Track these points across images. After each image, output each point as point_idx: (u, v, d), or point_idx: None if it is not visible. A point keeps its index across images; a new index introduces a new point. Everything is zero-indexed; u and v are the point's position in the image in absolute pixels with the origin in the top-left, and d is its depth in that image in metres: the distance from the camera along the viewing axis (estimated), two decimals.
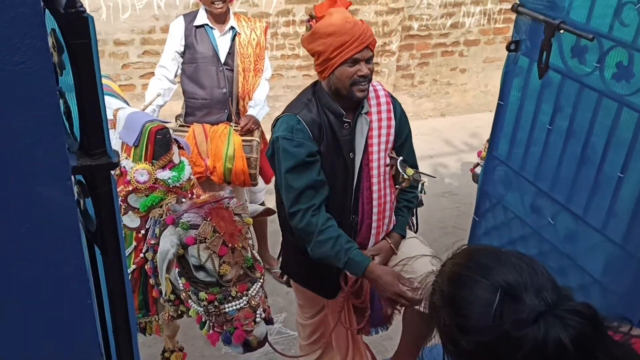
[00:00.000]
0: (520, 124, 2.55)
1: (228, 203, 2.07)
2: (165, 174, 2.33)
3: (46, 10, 0.95)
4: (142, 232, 2.32)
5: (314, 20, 2.17)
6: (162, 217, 2.25)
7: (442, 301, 1.17)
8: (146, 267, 2.29)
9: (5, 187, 0.79)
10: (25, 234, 0.82)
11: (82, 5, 0.91)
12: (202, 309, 2.00)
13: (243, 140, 3.33)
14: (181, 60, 3.41)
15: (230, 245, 1.97)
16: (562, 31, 2.19)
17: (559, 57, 2.27)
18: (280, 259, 2.62)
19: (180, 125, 3.47)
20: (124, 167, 2.32)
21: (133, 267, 2.33)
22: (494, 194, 2.77)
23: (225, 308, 1.97)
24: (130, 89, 5.13)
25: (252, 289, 2.01)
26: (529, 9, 2.32)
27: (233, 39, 3.39)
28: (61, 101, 1.06)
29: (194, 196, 2.44)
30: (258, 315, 2.01)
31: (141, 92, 5.17)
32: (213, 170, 3.31)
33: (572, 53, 2.22)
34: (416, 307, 2.30)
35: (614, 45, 2.06)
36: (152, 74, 5.09)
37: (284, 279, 2.74)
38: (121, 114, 2.46)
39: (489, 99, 6.55)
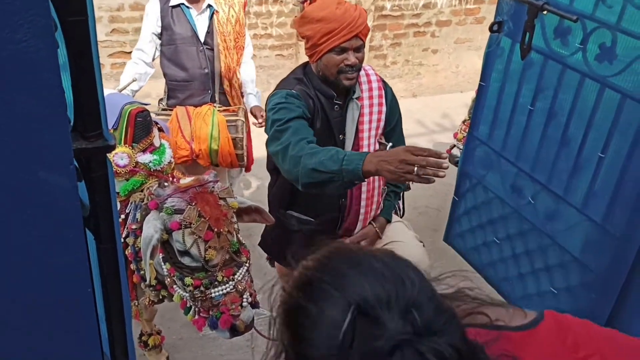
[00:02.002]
0: (501, 105, 2.57)
1: (213, 187, 2.03)
2: (146, 158, 2.28)
3: None
4: (122, 216, 2.27)
5: (307, 1, 2.13)
6: (143, 201, 2.20)
7: (285, 315, 0.89)
8: (127, 252, 2.25)
9: (9, 172, 0.75)
10: (28, 220, 0.78)
11: None
12: (187, 295, 1.96)
13: (227, 121, 3.26)
14: (159, 42, 3.31)
15: (215, 229, 1.93)
16: (545, 12, 2.20)
17: (542, 38, 2.28)
18: (261, 237, 2.58)
19: (163, 109, 3.38)
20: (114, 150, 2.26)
21: None
22: (474, 174, 2.79)
23: (211, 293, 1.94)
24: None
25: (238, 274, 1.98)
26: None
27: (211, 18, 3.30)
28: None
29: (175, 179, 2.39)
30: (245, 300, 1.98)
31: (110, 72, 5.05)
32: (199, 153, 3.23)
33: (555, 34, 2.24)
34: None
35: (597, 26, 2.07)
36: (122, 53, 5.02)
37: (269, 260, 2.72)
38: None
39: (459, 80, 6.59)
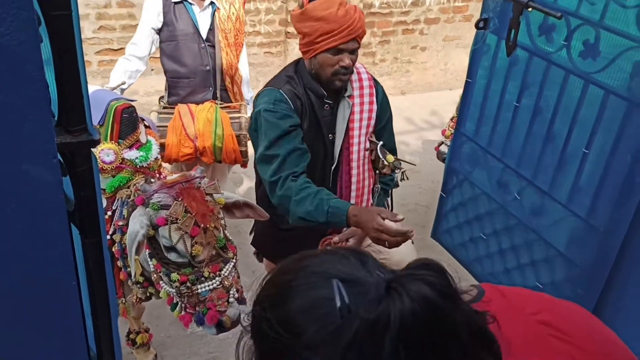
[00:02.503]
0: (487, 102, 2.59)
1: (199, 183, 2.03)
2: (132, 154, 2.27)
3: None
4: (109, 213, 2.26)
5: None
6: (129, 197, 2.20)
7: (272, 332, 0.84)
8: (113, 249, 2.24)
9: None
10: (12, 214, 0.78)
11: None
12: (174, 290, 1.96)
13: (230, 118, 3.26)
14: (157, 37, 3.29)
15: (202, 225, 1.93)
16: (530, 9, 2.22)
17: (527, 35, 2.30)
18: (253, 235, 2.58)
19: (164, 107, 3.37)
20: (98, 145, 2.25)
21: None
22: (461, 171, 2.80)
23: (198, 289, 1.94)
24: (85, 65, 4.96)
25: (224, 269, 1.98)
26: None
27: (213, 15, 3.30)
28: None
29: (161, 176, 2.39)
30: (231, 296, 1.98)
31: (97, 69, 5.02)
32: (203, 151, 3.23)
33: (540, 31, 2.26)
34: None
35: (581, 23, 2.09)
36: (109, 50, 5.00)
37: (258, 256, 2.72)
38: None
39: (448, 78, 6.62)
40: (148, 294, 2.32)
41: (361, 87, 2.33)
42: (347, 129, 2.29)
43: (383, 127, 2.42)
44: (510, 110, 2.46)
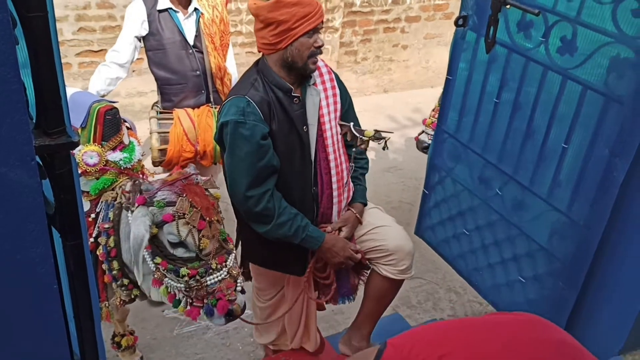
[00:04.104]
0: (468, 98, 2.61)
1: (197, 179, 2.06)
2: (116, 156, 2.26)
3: None
4: (92, 216, 2.24)
5: None
6: (115, 200, 2.19)
7: None
8: (98, 252, 2.23)
9: None
10: None
11: None
12: (182, 286, 1.99)
13: None
14: (140, 45, 3.28)
15: (207, 218, 1.97)
16: (508, 6, 2.24)
17: (506, 32, 2.33)
18: (240, 248, 2.57)
19: (161, 112, 3.36)
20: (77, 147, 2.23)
21: None
22: (443, 167, 2.82)
23: (207, 281, 1.98)
24: (66, 67, 4.92)
25: (229, 260, 2.03)
26: None
27: (198, 21, 3.29)
28: None
29: (144, 177, 2.38)
30: (239, 285, 2.04)
31: (77, 71, 4.98)
32: (203, 155, 3.26)
33: (518, 28, 2.28)
34: (382, 272, 2.47)
35: (558, 19, 2.12)
36: (89, 52, 4.95)
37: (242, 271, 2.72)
38: None
39: (429, 75, 6.65)
40: (132, 296, 2.31)
41: (321, 75, 2.36)
42: (319, 117, 2.31)
43: (347, 111, 2.45)
44: (490, 106, 2.49)
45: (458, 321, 1.22)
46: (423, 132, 3.79)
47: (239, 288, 2.03)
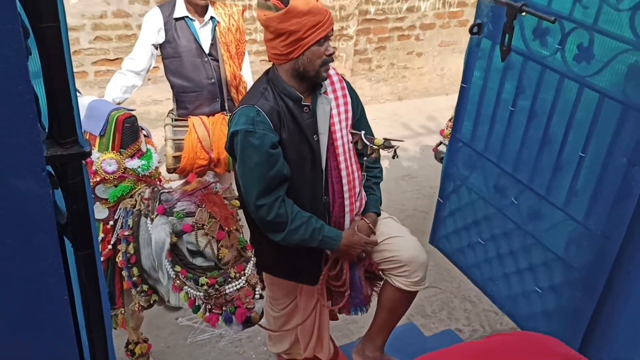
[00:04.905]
0: (483, 106, 2.59)
1: (216, 188, 2.08)
2: (134, 163, 2.29)
3: None
4: (111, 223, 2.27)
5: (277, 0, 2.13)
6: (134, 207, 2.21)
7: None
8: (118, 259, 2.25)
9: None
10: (0, 227, 0.78)
11: None
12: (201, 294, 2.01)
13: None
14: (156, 52, 3.31)
15: (226, 228, 1.99)
16: (524, 14, 2.22)
17: (521, 39, 2.30)
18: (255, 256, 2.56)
19: (176, 120, 3.39)
20: (89, 157, 2.25)
21: (101, 259, 2.28)
22: (457, 176, 2.80)
23: (226, 290, 2.00)
24: (82, 76, 4.97)
25: (248, 268, 2.05)
26: None
27: (214, 29, 3.32)
28: None
29: (161, 184, 2.39)
30: (257, 293, 2.05)
31: (94, 79, 5.02)
32: (217, 162, 3.28)
33: (534, 35, 2.26)
34: (396, 283, 2.45)
35: (575, 27, 2.09)
36: (105, 60, 5.00)
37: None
38: (81, 103, 2.38)
39: (444, 83, 6.62)
40: (151, 302, 2.34)
41: (332, 83, 2.35)
42: (329, 126, 2.31)
43: (358, 119, 2.44)
44: (505, 114, 2.46)
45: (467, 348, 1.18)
46: (441, 143, 3.76)
47: (257, 296, 2.04)
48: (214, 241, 1.96)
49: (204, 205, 1.98)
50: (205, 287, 1.97)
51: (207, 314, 2.04)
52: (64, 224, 1.04)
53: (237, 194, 2.18)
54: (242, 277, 2.01)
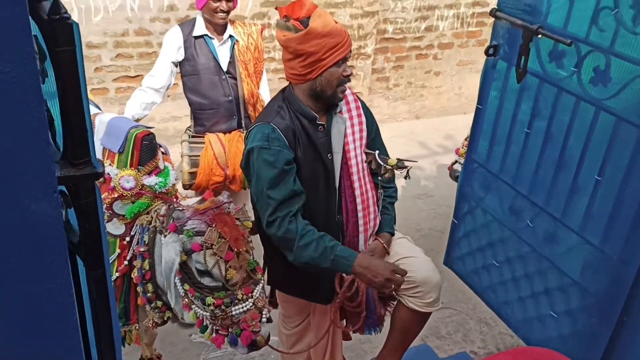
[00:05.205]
0: (498, 128, 2.58)
1: (228, 208, 2.08)
2: (151, 180, 2.32)
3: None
4: (127, 239, 2.29)
5: (293, 20, 2.16)
6: (150, 223, 2.23)
7: None
8: (133, 275, 2.27)
9: None
10: (11, 249, 0.79)
11: (66, 12, 0.88)
12: (207, 314, 2.01)
13: None
14: (176, 70, 3.36)
15: (235, 249, 2.00)
16: (540, 36, 2.22)
17: (537, 61, 2.30)
18: (267, 273, 2.57)
19: (193, 136, 3.43)
20: (108, 173, 2.30)
21: (116, 275, 2.30)
22: (472, 197, 2.78)
23: (232, 311, 2.00)
24: (103, 92, 5.05)
25: (256, 291, 2.05)
26: (506, 13, 2.34)
27: (232, 48, 3.37)
28: None
29: (177, 201, 2.42)
30: (264, 316, 2.05)
31: (114, 96, 5.10)
32: (232, 179, 3.30)
33: (550, 57, 2.25)
34: (409, 304, 2.40)
35: (591, 50, 2.08)
36: (126, 77, 5.08)
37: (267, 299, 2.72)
38: (100, 120, 2.42)
39: (462, 102, 6.62)
40: (165, 319, 2.35)
41: (347, 102, 2.37)
42: (343, 145, 2.31)
43: (373, 139, 2.45)
44: (521, 136, 2.45)
45: None
46: (456, 161, 3.76)
47: (264, 319, 2.03)
48: (222, 261, 1.96)
49: (214, 225, 1.99)
50: (212, 308, 1.97)
51: (214, 334, 2.04)
52: (77, 242, 1.06)
53: (250, 215, 2.18)
54: (250, 300, 2.01)
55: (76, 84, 0.93)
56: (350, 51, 2.22)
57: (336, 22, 2.19)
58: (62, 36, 0.89)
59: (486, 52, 2.47)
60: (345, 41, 2.15)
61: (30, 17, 0.91)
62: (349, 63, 2.25)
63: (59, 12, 0.88)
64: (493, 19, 2.44)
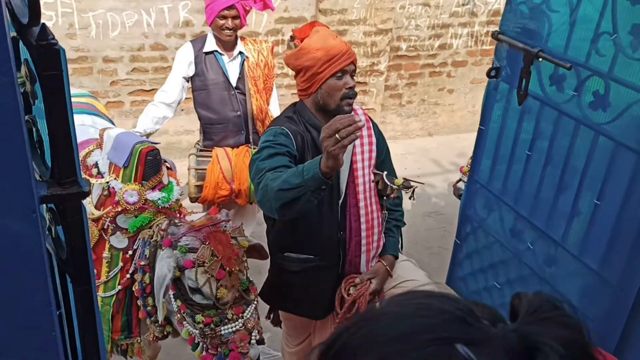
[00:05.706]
0: (500, 149, 2.58)
1: (225, 226, 2.09)
2: (155, 195, 2.35)
3: (19, 40, 0.96)
4: (130, 252, 2.32)
5: (297, 39, 2.20)
6: (152, 237, 2.26)
7: None
8: (134, 288, 2.29)
9: None
10: None
11: (53, 38, 0.92)
12: (197, 331, 2.01)
13: None
14: (187, 85, 3.43)
15: (227, 268, 2.00)
16: (540, 59, 2.23)
17: (538, 84, 2.31)
18: (267, 291, 2.57)
19: (201, 150, 3.49)
20: (113, 187, 2.33)
21: (119, 287, 2.33)
22: (475, 218, 2.78)
23: (221, 330, 2.00)
24: (118, 105, 5.14)
25: (247, 312, 2.04)
26: (509, 36, 2.36)
27: (242, 64, 3.42)
28: (33, 129, 1.07)
29: (182, 216, 2.45)
30: (253, 338, 2.04)
31: (130, 109, 5.18)
32: (239, 193, 3.34)
33: (551, 81, 2.26)
34: None
35: (590, 74, 2.09)
36: (141, 91, 5.16)
37: (271, 317, 2.73)
38: (108, 135, 2.47)
39: (476, 120, 6.54)
40: (165, 333, 2.36)
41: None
42: (351, 163, 2.32)
43: (382, 160, 2.45)
44: (522, 158, 2.45)
45: None
46: (460, 180, 3.76)
47: (252, 341, 2.02)
48: (214, 280, 1.96)
49: (207, 243, 2.00)
50: (201, 325, 1.97)
51: (204, 352, 2.03)
52: (65, 259, 1.09)
53: (247, 235, 2.17)
54: (240, 320, 2.00)
55: (63, 107, 0.97)
56: (354, 64, 2.22)
57: (336, 37, 2.22)
58: (49, 61, 0.93)
59: (488, 74, 2.48)
60: (342, 53, 2.16)
61: (21, 42, 0.96)
62: (358, 78, 2.25)
63: (46, 38, 0.92)
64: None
